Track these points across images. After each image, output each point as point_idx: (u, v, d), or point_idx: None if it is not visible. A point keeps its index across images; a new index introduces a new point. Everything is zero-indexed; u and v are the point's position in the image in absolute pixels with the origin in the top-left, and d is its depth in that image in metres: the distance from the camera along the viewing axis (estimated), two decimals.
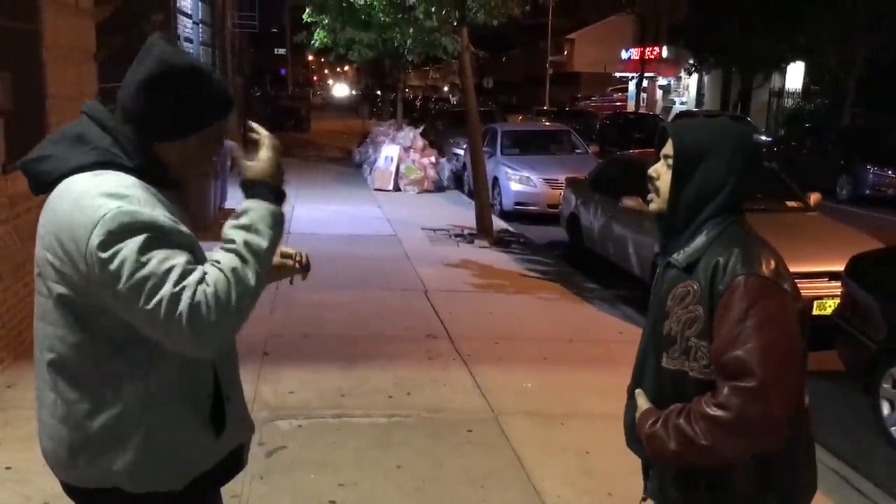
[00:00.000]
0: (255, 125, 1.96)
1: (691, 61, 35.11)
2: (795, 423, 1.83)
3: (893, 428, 5.02)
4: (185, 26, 14.47)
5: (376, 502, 3.86)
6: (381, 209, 13.35)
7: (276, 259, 2.19)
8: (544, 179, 13.29)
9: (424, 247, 10.32)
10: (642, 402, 2.01)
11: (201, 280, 1.66)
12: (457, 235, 11.16)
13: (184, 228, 1.74)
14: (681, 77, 42.06)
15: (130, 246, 1.64)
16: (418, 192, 15.59)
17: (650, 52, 41.69)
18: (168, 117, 1.78)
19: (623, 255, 8.71)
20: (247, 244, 1.74)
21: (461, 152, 16.71)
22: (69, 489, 1.91)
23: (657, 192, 2.03)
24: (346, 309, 7.13)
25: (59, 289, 1.75)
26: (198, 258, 1.77)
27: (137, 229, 1.65)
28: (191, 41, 15.04)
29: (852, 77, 23.61)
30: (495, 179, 13.73)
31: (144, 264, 1.63)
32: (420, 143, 16.80)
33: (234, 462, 2.00)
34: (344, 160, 21.49)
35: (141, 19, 10.90)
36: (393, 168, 15.91)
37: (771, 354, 1.75)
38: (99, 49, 7.50)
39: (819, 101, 27.82)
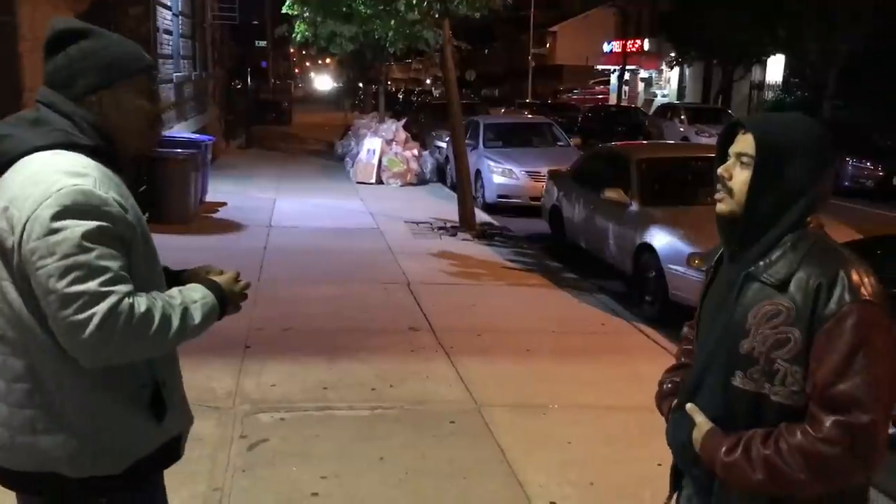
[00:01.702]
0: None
1: (673, 54, 35.24)
2: None
3: None
4: (165, 18, 14.33)
5: (359, 495, 3.86)
6: (363, 202, 13.32)
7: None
8: (527, 172, 13.31)
9: (407, 240, 10.31)
10: (702, 421, 1.89)
11: (130, 294, 1.71)
12: (439, 228, 11.16)
13: (130, 218, 1.79)
14: (662, 70, 42.20)
15: (77, 229, 1.68)
16: (401, 185, 15.56)
17: (632, 45, 41.79)
18: (71, 69, 1.84)
19: (604, 246, 8.74)
20: (184, 310, 1.83)
21: (444, 145, 16.69)
22: (6, 474, 1.89)
23: (730, 193, 1.88)
24: (329, 302, 7.11)
25: (2, 263, 1.76)
26: (137, 248, 1.82)
27: (89, 213, 1.70)
28: (170, 33, 14.90)
29: (832, 70, 23.79)
30: (478, 172, 13.73)
31: (85, 251, 1.67)
32: (402, 135, 16.75)
33: (171, 452, 2.02)
34: (326, 153, 21.41)
35: (120, 11, 10.79)
36: (375, 161, 15.87)
37: (882, 389, 1.70)
38: None
39: (799, 93, 28.02)
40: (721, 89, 32.69)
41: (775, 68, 31.50)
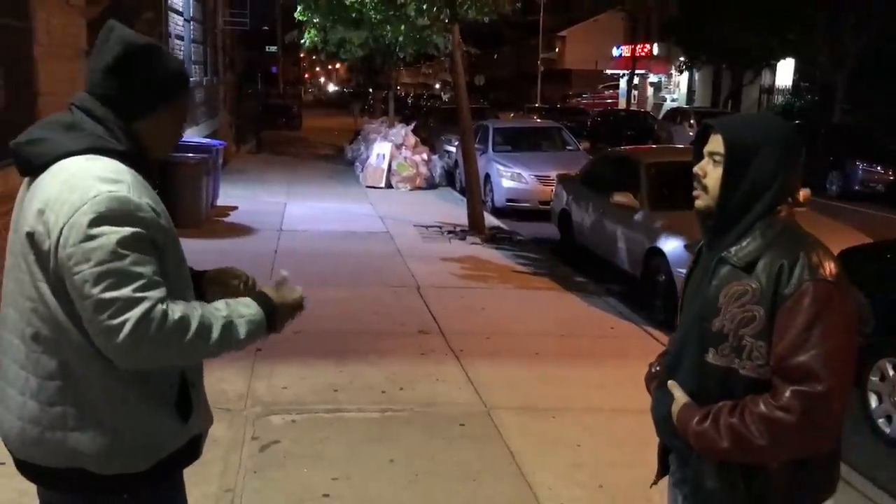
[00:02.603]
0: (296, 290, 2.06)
1: (682, 58, 35.18)
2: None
3: (881, 420, 5.08)
4: (177, 23, 14.42)
5: (369, 496, 3.89)
6: (373, 206, 13.36)
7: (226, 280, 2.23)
8: (536, 176, 13.32)
9: (416, 243, 10.34)
10: (680, 395, 2.01)
11: (163, 300, 1.74)
12: (449, 232, 11.18)
13: (163, 221, 1.84)
14: (671, 74, 42.14)
15: (112, 236, 1.71)
16: (410, 190, 15.60)
17: (641, 50, 41.76)
18: (139, 93, 1.88)
19: (613, 250, 8.75)
20: (228, 323, 1.84)
21: (453, 149, 16.72)
22: (32, 470, 1.92)
23: (705, 189, 2.02)
24: (339, 305, 7.14)
25: (36, 263, 1.80)
26: (168, 251, 1.85)
27: (124, 219, 1.74)
28: (182, 38, 14.99)
29: (842, 74, 23.71)
30: (487, 176, 13.75)
31: (120, 257, 1.71)
32: (412, 140, 16.79)
33: (192, 451, 2.04)
34: (336, 157, 21.48)
35: (132, 16, 10.86)
36: (385, 165, 15.91)
37: (836, 361, 1.80)
38: (90, 46, 7.49)
39: (809, 97, 27.95)
40: (731, 93, 32.64)
41: (785, 72, 31.43)
